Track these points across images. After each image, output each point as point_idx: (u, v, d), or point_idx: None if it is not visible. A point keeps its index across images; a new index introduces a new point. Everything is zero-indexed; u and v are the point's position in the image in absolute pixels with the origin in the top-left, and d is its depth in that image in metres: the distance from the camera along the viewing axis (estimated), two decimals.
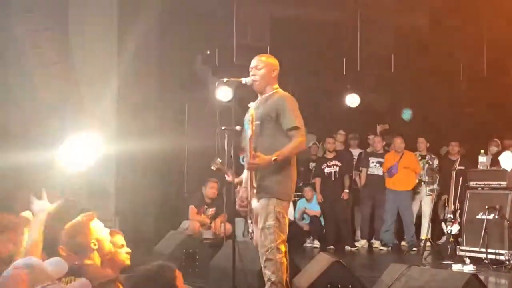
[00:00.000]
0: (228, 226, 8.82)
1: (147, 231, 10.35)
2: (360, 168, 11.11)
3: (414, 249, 10.15)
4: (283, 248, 4.79)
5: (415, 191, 10.74)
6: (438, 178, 10.07)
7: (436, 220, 10.58)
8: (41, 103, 10.05)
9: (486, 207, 8.21)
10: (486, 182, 8.62)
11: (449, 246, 8.78)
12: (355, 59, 11.77)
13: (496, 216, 8.13)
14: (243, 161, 6.79)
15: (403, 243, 10.75)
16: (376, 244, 10.85)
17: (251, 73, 5.06)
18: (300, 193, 11.09)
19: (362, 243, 10.95)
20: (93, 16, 10.80)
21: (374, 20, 11.86)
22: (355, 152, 11.49)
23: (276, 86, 5.09)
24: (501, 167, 8.62)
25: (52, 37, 10.05)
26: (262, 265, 4.82)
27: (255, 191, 4.84)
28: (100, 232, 3.79)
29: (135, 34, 10.55)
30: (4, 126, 9.87)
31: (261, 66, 5.04)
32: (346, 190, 10.76)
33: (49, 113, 10.13)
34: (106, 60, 10.90)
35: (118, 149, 10.64)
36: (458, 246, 8.68)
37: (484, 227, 8.06)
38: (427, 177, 10.69)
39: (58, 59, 10.19)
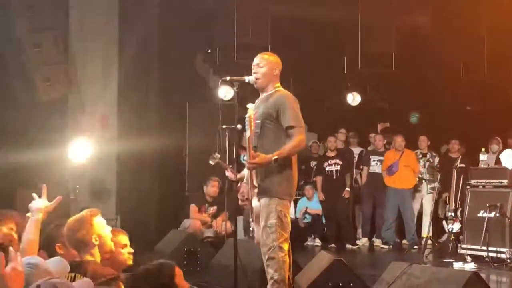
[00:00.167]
0: (229, 224, 8.82)
1: (148, 230, 10.37)
2: (361, 167, 11.12)
3: (415, 247, 10.15)
4: (285, 246, 4.79)
5: (416, 189, 10.75)
6: (439, 176, 10.08)
7: (437, 218, 10.58)
8: (41, 103, 10.06)
9: (487, 205, 8.21)
10: (487, 180, 8.62)
11: (450, 244, 8.79)
12: (356, 57, 11.76)
13: (497, 214, 8.13)
14: (243, 159, 6.78)
15: (404, 241, 10.75)
16: (377, 242, 10.85)
17: (253, 71, 5.03)
18: (301, 191, 11.09)
19: (363, 242, 10.95)
20: (93, 16, 10.82)
21: (375, 19, 11.85)
22: (355, 150, 11.49)
23: (278, 84, 5.07)
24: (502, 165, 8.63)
25: (52, 37, 10.06)
26: (264, 264, 4.83)
27: (256, 190, 4.84)
28: (102, 228, 3.76)
29: (135, 33, 10.56)
30: (4, 126, 9.89)
31: (263, 64, 5.02)
32: (347, 189, 10.75)
33: (49, 112, 10.15)
34: (107, 59, 10.91)
35: (119, 148, 10.67)
36: (459, 244, 8.69)
37: (485, 225, 8.06)
38: (428, 175, 10.69)
39: (58, 59, 10.20)
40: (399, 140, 10.64)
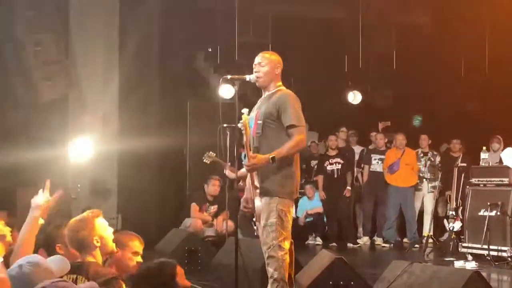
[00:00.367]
0: (230, 223, 8.82)
1: (149, 229, 10.35)
2: (362, 165, 11.12)
3: (416, 246, 10.16)
4: (285, 245, 4.78)
5: (417, 188, 10.74)
6: (440, 175, 10.07)
7: (438, 217, 10.58)
8: (41, 102, 10.06)
9: (488, 203, 8.21)
10: (488, 179, 8.62)
11: (451, 243, 8.80)
12: (356, 56, 11.76)
13: (498, 213, 8.13)
14: (244, 158, 6.77)
15: (405, 240, 10.74)
16: (378, 241, 10.85)
17: (254, 70, 5.03)
18: (302, 190, 11.08)
19: (364, 240, 10.96)
20: (94, 14, 10.82)
21: (376, 18, 11.85)
22: (356, 149, 11.49)
23: (280, 83, 5.07)
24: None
25: (53, 36, 10.05)
26: (266, 262, 4.83)
27: (257, 191, 4.84)
28: (104, 230, 3.72)
29: (136, 31, 10.56)
30: (5, 125, 9.89)
31: (265, 63, 5.02)
32: (349, 188, 10.75)
33: (50, 112, 10.14)
34: (107, 58, 10.92)
35: (120, 147, 10.67)
36: (460, 243, 8.69)
37: (486, 224, 8.06)
38: (429, 174, 10.68)
39: (58, 58, 10.19)
40: (400, 139, 10.64)
